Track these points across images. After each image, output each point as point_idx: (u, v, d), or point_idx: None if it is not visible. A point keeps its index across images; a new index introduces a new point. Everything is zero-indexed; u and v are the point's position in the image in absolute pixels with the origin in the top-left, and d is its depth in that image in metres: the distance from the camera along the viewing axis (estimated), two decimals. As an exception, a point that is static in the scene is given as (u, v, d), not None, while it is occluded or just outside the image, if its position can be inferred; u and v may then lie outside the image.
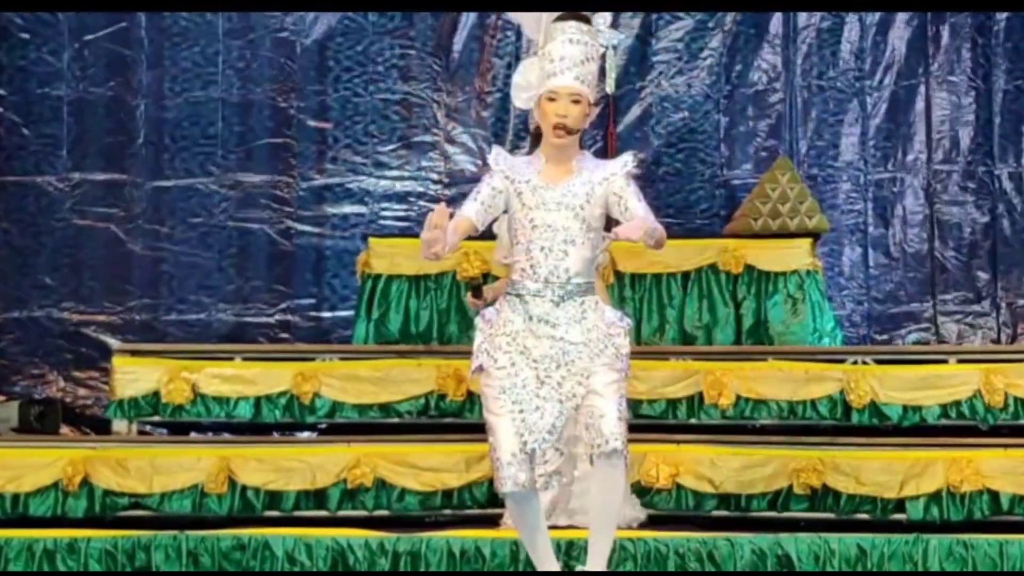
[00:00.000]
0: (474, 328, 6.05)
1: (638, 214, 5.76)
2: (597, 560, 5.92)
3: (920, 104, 10.84)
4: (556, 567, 6.10)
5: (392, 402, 8.63)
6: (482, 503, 8.09)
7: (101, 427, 9.66)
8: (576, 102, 5.86)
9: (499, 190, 5.92)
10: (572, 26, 5.94)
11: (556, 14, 6.00)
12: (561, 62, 5.88)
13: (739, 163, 10.88)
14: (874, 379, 8.65)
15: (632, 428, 8.45)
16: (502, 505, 8.09)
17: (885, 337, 10.68)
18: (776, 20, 10.89)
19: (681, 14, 10.89)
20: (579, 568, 6.14)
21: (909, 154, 10.84)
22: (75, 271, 10.53)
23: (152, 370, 8.80)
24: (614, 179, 5.89)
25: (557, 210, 5.87)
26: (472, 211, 5.86)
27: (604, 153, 10.83)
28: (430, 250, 5.55)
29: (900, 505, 8.06)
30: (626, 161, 5.96)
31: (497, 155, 6.01)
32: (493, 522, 7.92)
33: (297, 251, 10.66)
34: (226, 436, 9.17)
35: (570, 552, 7.23)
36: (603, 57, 6.00)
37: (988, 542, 7.43)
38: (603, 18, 6.01)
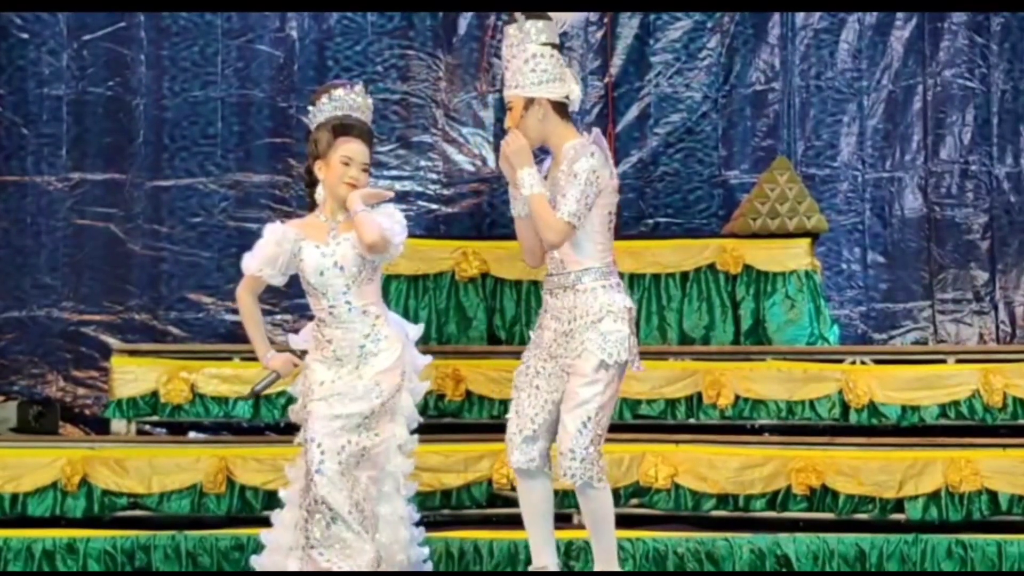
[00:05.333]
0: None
1: (559, 209, 5.89)
2: (603, 565, 6.05)
3: (918, 104, 10.84)
4: (550, 559, 6.14)
5: (391, 402, 8.63)
6: (481, 503, 8.10)
7: (100, 427, 9.66)
8: (509, 108, 6.07)
9: None
10: (506, 31, 6.09)
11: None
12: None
13: (737, 163, 10.88)
14: (873, 379, 8.66)
15: (631, 428, 8.53)
16: (501, 505, 8.13)
17: (883, 337, 10.68)
18: (774, 20, 10.89)
19: (680, 14, 10.90)
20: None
21: (907, 154, 10.84)
22: (75, 271, 10.53)
23: (151, 370, 8.82)
24: (567, 165, 5.98)
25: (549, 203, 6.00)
26: None
27: (603, 153, 10.85)
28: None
29: (899, 505, 8.08)
30: (583, 142, 6.01)
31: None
32: (492, 522, 7.94)
33: (297, 251, 10.65)
34: (225, 436, 9.18)
35: (569, 552, 7.25)
36: (551, 55, 6.05)
37: (987, 542, 7.46)
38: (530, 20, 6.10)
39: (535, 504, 6.08)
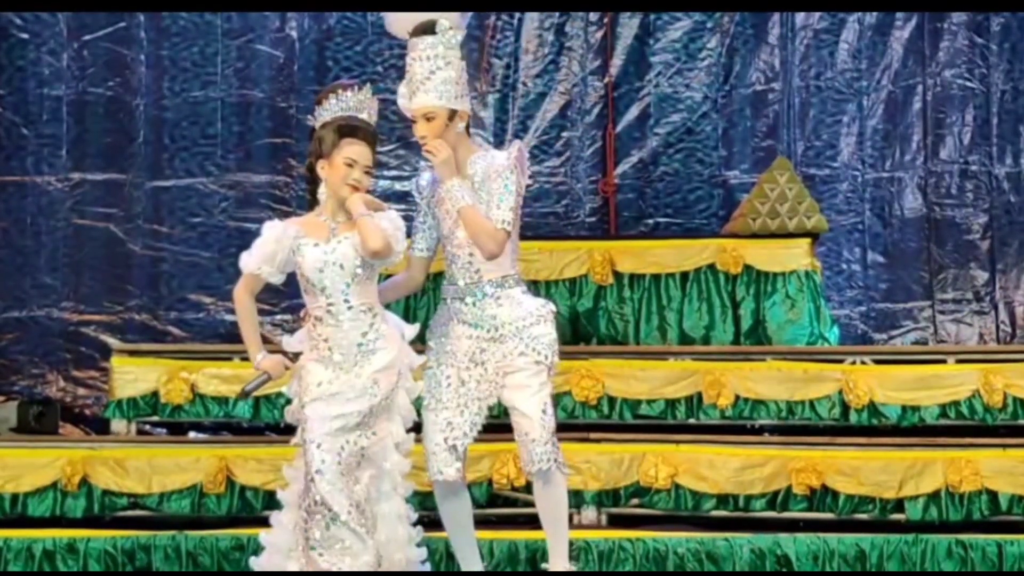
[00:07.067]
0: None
1: (492, 219, 5.98)
2: (558, 560, 6.12)
3: (917, 104, 10.84)
4: (479, 566, 6.29)
5: (391, 402, 8.63)
6: (481, 503, 8.10)
7: (100, 427, 9.66)
8: (430, 118, 6.06)
9: (425, 214, 6.25)
10: (417, 42, 6.16)
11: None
12: (411, 84, 6.12)
13: (737, 163, 10.88)
14: (873, 379, 8.66)
15: (631, 428, 8.54)
16: (501, 505, 8.12)
17: (883, 337, 10.68)
18: (774, 20, 10.90)
19: (680, 14, 10.90)
20: (544, 567, 6.25)
21: (907, 154, 10.84)
22: (75, 271, 10.53)
23: (151, 370, 8.81)
24: (489, 177, 6.05)
25: (455, 216, 6.04)
26: (416, 253, 6.25)
27: (603, 153, 10.85)
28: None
29: (899, 505, 8.07)
30: (508, 154, 6.11)
31: (416, 184, 6.33)
32: (492, 522, 7.94)
33: (296, 251, 10.65)
34: (225, 436, 9.18)
35: (568, 552, 7.23)
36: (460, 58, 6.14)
37: (987, 542, 7.46)
38: (448, 19, 6.12)
39: (462, 516, 6.22)
